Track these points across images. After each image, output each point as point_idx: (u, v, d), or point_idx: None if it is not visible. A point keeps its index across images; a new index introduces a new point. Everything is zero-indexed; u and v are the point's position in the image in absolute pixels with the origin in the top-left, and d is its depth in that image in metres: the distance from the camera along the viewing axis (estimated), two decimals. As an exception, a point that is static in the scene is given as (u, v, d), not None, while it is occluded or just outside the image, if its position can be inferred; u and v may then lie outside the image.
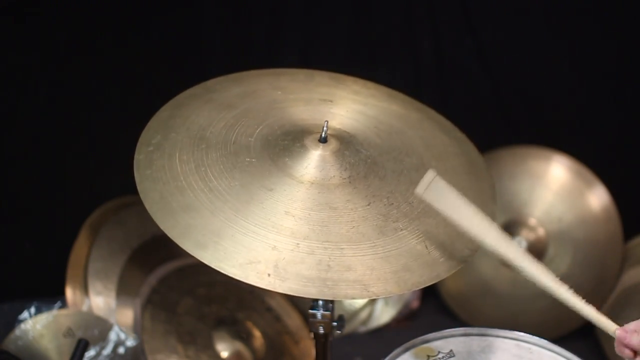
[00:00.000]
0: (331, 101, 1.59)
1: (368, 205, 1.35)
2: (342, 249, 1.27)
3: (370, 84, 1.69)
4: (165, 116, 1.49)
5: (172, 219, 1.28)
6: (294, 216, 1.30)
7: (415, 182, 1.42)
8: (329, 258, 1.26)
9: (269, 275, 1.23)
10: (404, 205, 1.37)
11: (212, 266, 1.23)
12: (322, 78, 1.67)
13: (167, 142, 1.42)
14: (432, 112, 1.65)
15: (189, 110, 1.50)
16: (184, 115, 1.49)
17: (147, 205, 1.31)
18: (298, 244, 1.27)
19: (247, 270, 1.23)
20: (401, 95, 1.68)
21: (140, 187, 1.33)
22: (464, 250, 1.34)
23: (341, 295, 1.23)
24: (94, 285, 2.29)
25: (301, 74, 1.67)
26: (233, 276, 1.22)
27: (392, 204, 1.37)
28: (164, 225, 1.27)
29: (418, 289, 1.37)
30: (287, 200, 1.33)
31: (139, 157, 1.39)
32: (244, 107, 1.52)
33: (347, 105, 1.58)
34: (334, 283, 1.23)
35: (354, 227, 1.31)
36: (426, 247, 1.32)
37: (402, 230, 1.33)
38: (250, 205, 1.31)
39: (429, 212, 1.37)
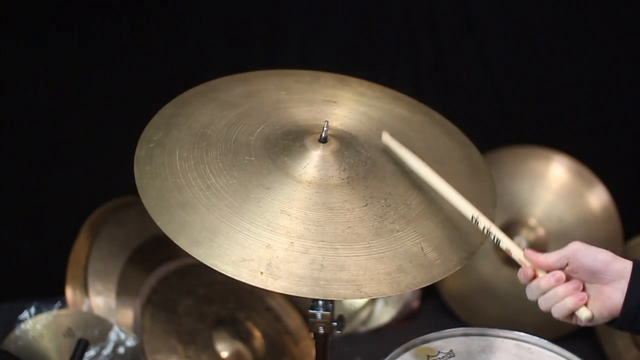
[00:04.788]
0: (335, 102, 1.58)
1: (365, 206, 1.35)
2: (336, 248, 1.27)
3: (375, 86, 1.68)
4: (169, 114, 1.50)
5: (168, 215, 1.29)
6: (289, 215, 1.30)
7: (415, 184, 1.42)
8: (323, 257, 1.26)
9: (261, 273, 1.23)
10: (401, 207, 1.37)
11: (206, 263, 1.23)
12: (327, 79, 1.67)
13: (169, 139, 1.43)
14: (437, 115, 1.65)
15: (192, 108, 1.51)
16: (186, 113, 1.49)
17: (145, 201, 1.31)
18: (292, 242, 1.27)
19: (240, 268, 1.23)
20: (406, 98, 1.68)
21: (139, 183, 1.34)
22: (460, 253, 1.34)
23: (333, 295, 1.23)
24: (94, 285, 2.29)
25: (307, 75, 1.67)
26: (226, 273, 1.22)
27: (390, 205, 1.37)
28: (159, 221, 1.28)
29: (411, 290, 1.37)
30: (284, 199, 1.33)
31: (140, 153, 1.39)
32: (247, 107, 1.52)
33: (350, 106, 1.58)
34: (326, 282, 1.23)
35: (349, 227, 1.31)
36: (422, 249, 1.32)
37: (398, 231, 1.33)
38: (247, 203, 1.31)
39: (427, 214, 1.38)
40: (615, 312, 1.18)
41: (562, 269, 1.22)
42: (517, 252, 1.27)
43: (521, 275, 1.24)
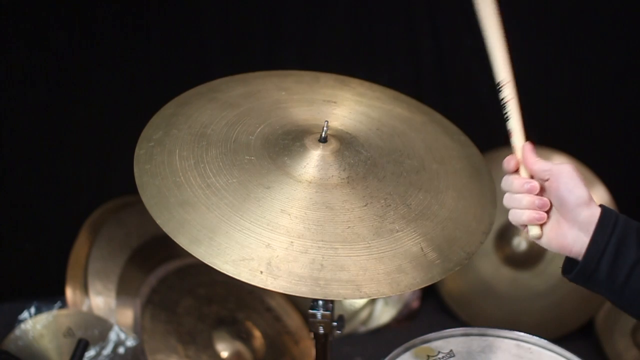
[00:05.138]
0: (335, 102, 1.59)
1: (365, 206, 1.35)
2: (336, 248, 1.27)
3: (376, 87, 1.68)
4: (169, 113, 1.50)
5: (167, 213, 1.29)
6: (289, 214, 1.30)
7: (415, 185, 1.42)
8: (323, 257, 1.26)
9: (261, 272, 1.23)
10: (401, 207, 1.37)
11: (205, 262, 1.23)
12: (327, 80, 1.67)
13: (169, 138, 1.43)
14: (437, 115, 1.65)
15: (193, 108, 1.51)
16: (187, 113, 1.49)
17: (145, 199, 1.31)
18: (292, 242, 1.27)
19: (239, 267, 1.23)
20: (407, 98, 1.68)
21: (138, 182, 1.34)
22: (460, 253, 1.34)
23: (333, 295, 1.23)
24: (94, 285, 2.29)
25: (307, 75, 1.67)
26: (225, 272, 1.22)
27: (390, 205, 1.37)
28: (159, 220, 1.28)
29: (411, 290, 1.37)
30: (284, 198, 1.33)
31: (140, 152, 1.40)
32: (247, 107, 1.52)
33: (350, 106, 1.58)
34: (326, 282, 1.23)
35: (349, 227, 1.31)
36: (422, 250, 1.32)
37: (398, 231, 1.33)
38: (247, 203, 1.31)
39: (426, 214, 1.38)
40: (563, 250, 1.17)
41: (544, 180, 1.19)
42: (518, 138, 1.25)
43: (505, 162, 1.23)
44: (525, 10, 2.63)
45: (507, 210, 1.25)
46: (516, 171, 1.23)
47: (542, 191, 1.20)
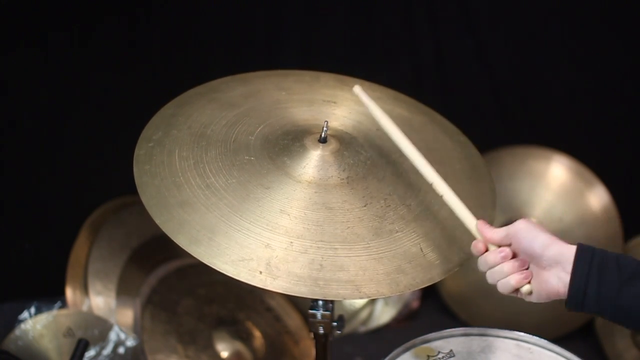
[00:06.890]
0: (335, 102, 1.59)
1: (365, 206, 1.35)
2: (335, 249, 1.27)
3: (376, 87, 1.68)
4: (169, 113, 1.50)
5: (167, 213, 1.29)
6: (289, 215, 1.30)
7: (415, 185, 1.42)
8: (322, 257, 1.26)
9: (260, 272, 1.23)
10: (401, 207, 1.37)
11: (205, 262, 1.24)
12: (327, 80, 1.67)
13: (168, 138, 1.43)
14: (437, 116, 1.65)
15: (192, 108, 1.51)
16: (186, 113, 1.49)
17: (144, 200, 1.32)
18: (292, 242, 1.27)
19: (239, 267, 1.23)
20: (406, 98, 1.68)
21: (138, 182, 1.35)
22: (459, 254, 1.34)
23: (332, 295, 1.23)
24: (94, 285, 2.29)
25: (307, 75, 1.67)
26: (225, 272, 1.23)
27: (389, 205, 1.37)
28: (159, 220, 1.28)
29: (410, 291, 1.37)
30: (284, 199, 1.33)
31: (139, 152, 1.40)
32: (247, 107, 1.53)
33: (350, 106, 1.58)
34: (325, 282, 1.23)
35: (349, 227, 1.31)
36: (421, 250, 1.32)
37: (397, 232, 1.33)
38: (246, 203, 1.31)
39: (426, 214, 1.38)
40: (552, 296, 1.21)
41: (509, 245, 1.23)
42: (470, 223, 1.28)
43: (473, 248, 1.27)
44: (525, 10, 2.63)
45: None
46: (486, 250, 1.26)
47: (514, 255, 1.24)
